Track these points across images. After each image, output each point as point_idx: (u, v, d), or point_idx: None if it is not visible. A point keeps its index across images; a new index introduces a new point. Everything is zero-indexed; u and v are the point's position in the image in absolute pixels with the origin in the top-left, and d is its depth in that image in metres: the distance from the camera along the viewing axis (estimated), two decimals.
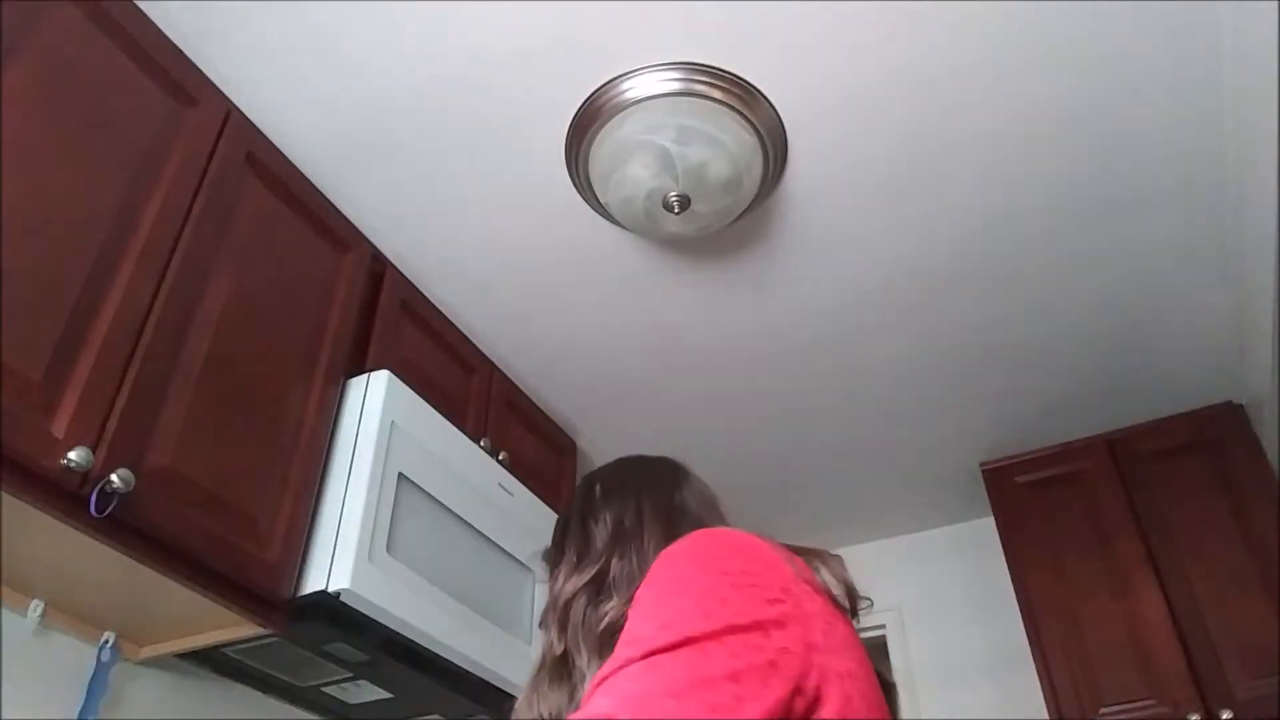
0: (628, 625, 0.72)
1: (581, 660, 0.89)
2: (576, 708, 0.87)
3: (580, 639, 0.90)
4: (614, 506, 0.99)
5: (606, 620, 0.88)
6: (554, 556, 1.01)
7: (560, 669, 0.92)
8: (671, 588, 0.72)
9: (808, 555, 0.82)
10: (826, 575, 0.81)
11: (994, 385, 2.47)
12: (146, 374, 1.31)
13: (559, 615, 0.93)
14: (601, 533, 0.97)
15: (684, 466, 1.08)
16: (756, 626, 0.66)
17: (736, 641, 0.65)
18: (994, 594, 2.67)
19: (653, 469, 1.07)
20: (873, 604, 0.86)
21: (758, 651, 0.65)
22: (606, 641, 0.86)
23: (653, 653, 0.64)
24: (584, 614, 0.91)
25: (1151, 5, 1.58)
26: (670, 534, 0.92)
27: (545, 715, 0.90)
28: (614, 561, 0.93)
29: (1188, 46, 1.65)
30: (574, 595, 0.93)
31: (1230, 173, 1.88)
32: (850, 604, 0.81)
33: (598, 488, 1.04)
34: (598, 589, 0.92)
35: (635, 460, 1.12)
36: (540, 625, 0.99)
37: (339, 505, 1.55)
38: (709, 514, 1.00)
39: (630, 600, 0.84)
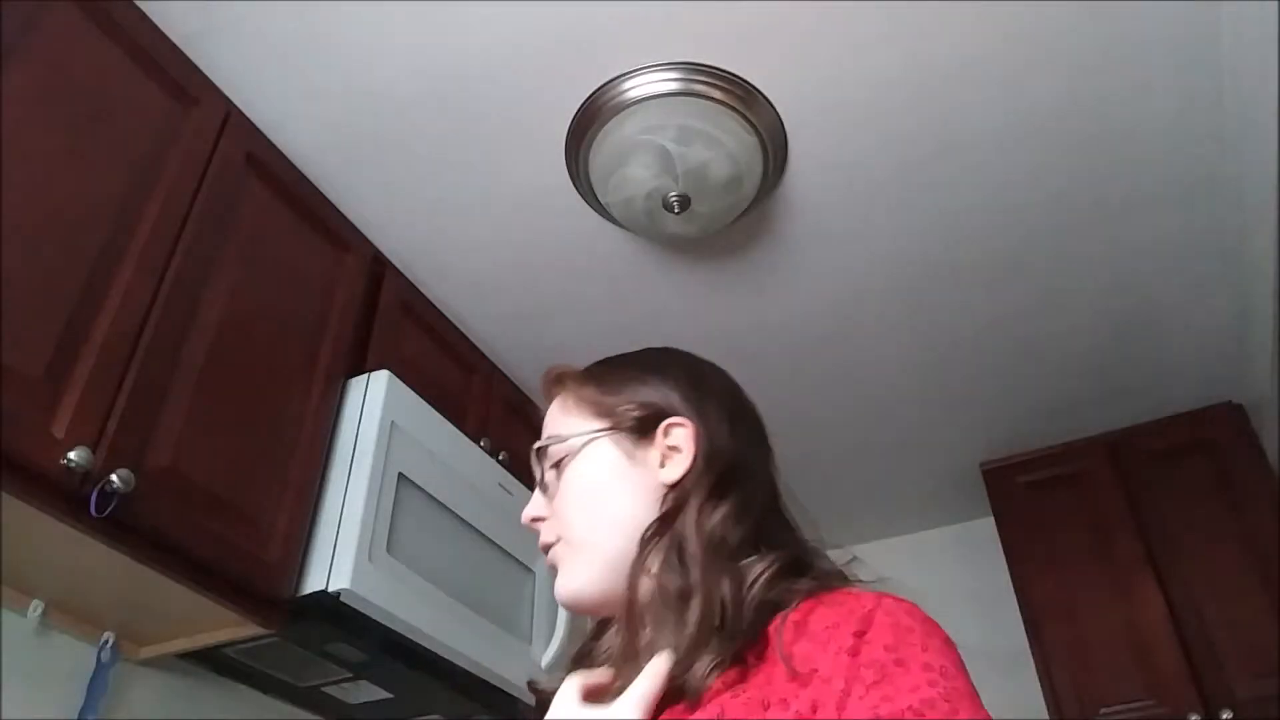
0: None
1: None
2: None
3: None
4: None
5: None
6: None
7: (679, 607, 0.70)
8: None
9: None
10: None
11: (994, 385, 2.47)
12: (146, 374, 1.30)
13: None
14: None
15: None
16: None
17: None
18: (994, 594, 2.66)
19: None
20: None
21: None
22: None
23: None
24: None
25: (1151, 5, 1.58)
26: None
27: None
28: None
29: (1188, 46, 1.65)
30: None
31: (1230, 172, 1.87)
32: None
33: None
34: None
35: None
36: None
37: (339, 505, 1.55)
38: None
39: None
